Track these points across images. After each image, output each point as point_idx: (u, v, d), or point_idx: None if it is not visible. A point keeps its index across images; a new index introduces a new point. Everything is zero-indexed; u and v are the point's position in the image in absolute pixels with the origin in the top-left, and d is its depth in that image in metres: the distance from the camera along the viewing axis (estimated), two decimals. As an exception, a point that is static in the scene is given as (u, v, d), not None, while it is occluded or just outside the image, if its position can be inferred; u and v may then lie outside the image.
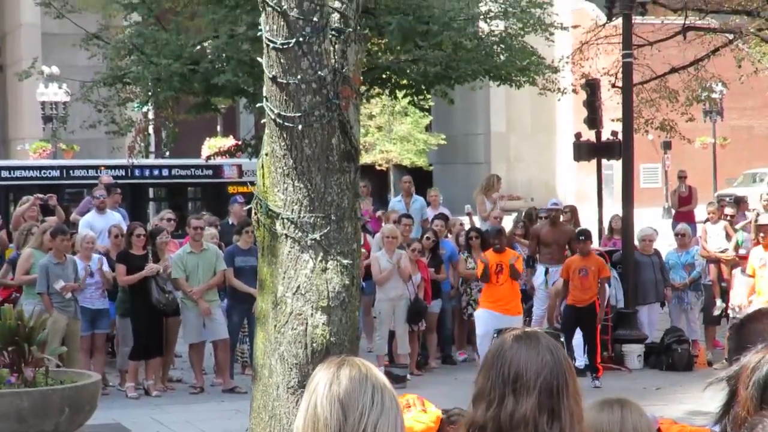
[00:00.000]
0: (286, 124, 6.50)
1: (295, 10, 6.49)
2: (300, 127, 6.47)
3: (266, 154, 6.69)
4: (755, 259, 16.89)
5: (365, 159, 42.75)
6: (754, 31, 26.96)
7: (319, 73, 6.52)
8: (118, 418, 14.30)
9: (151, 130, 28.61)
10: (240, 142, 24.79)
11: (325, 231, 6.56)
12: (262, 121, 6.86)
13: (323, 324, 6.51)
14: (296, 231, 6.54)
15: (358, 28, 6.71)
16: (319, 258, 6.54)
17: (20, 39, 50.81)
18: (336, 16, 6.58)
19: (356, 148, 6.75)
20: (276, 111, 6.50)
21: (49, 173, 28.69)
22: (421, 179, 32.88)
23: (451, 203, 26.36)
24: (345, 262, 6.58)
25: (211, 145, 37.36)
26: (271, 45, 6.57)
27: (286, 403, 6.47)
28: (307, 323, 6.50)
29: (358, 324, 6.98)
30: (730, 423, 3.22)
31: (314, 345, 6.48)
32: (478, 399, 3.45)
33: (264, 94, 6.67)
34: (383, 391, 3.24)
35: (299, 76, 6.50)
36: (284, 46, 6.52)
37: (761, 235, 16.93)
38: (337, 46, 6.56)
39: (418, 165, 47.68)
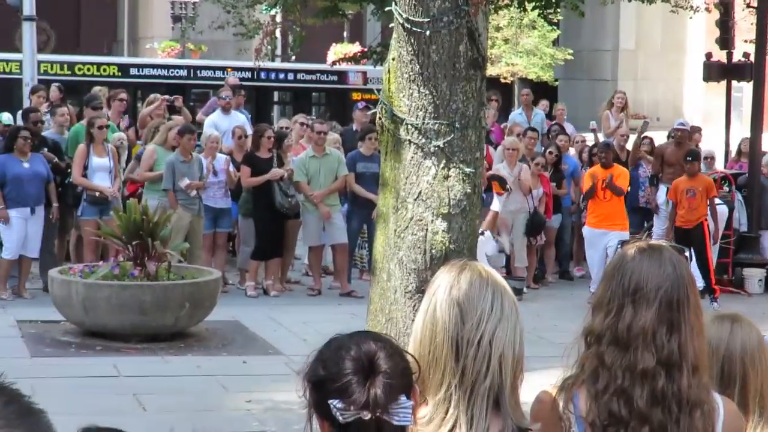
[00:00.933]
0: (413, 29, 6.45)
1: None
2: (428, 32, 6.42)
3: (393, 59, 6.67)
4: None
5: (491, 71, 42.36)
6: None
7: (449, -22, 6.46)
8: (237, 316, 14.50)
9: (278, 33, 28.72)
10: (366, 49, 24.79)
11: (449, 138, 6.52)
12: (390, 26, 6.82)
13: (443, 231, 6.50)
14: (420, 137, 6.52)
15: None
16: (442, 165, 6.51)
17: (151, -61, 51.08)
18: None
19: (483, 56, 6.68)
20: (404, 15, 6.47)
21: (177, 72, 29.03)
22: (547, 94, 32.52)
23: (575, 120, 26.07)
24: (467, 170, 6.54)
25: (336, 51, 37.36)
26: (402, -50, 6.52)
27: (404, 307, 6.50)
28: (427, 229, 6.50)
29: (477, 233, 6.96)
30: None
31: (433, 251, 6.49)
32: (597, 308, 3.46)
33: (393, -2, 6.63)
34: (503, 296, 3.23)
35: (429, -19, 6.45)
36: (415, -49, 6.46)
37: None
38: (468, -48, 6.48)
39: (544, 79, 47.12)
